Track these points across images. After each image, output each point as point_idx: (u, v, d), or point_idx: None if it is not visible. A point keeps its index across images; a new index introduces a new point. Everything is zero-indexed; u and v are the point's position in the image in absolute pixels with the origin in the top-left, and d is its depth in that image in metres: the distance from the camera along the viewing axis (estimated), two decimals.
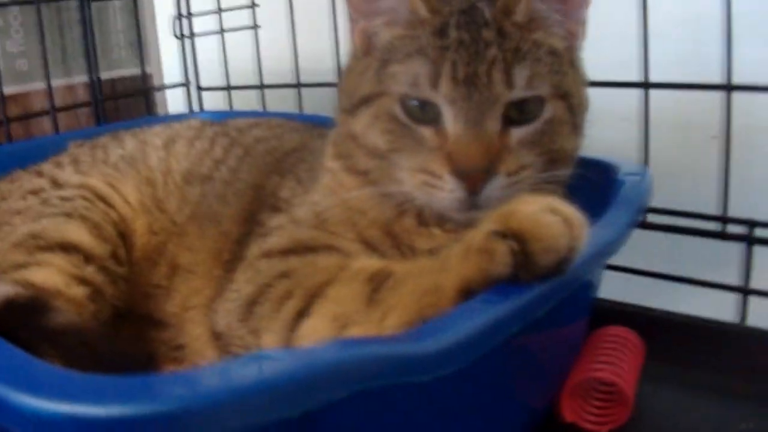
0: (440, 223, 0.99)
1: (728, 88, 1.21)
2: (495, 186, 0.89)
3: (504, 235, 0.76)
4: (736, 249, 1.27)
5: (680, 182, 1.30)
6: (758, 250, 1.25)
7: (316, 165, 1.14)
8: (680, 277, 1.32)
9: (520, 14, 0.95)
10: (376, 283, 0.84)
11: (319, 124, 1.43)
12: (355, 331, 0.82)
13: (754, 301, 1.26)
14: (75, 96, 1.76)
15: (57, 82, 1.70)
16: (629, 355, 1.12)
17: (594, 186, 1.04)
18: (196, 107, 1.99)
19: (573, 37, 1.01)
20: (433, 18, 0.95)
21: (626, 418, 1.05)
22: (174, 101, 1.96)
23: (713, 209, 1.28)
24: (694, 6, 1.31)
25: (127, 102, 1.86)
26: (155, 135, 1.35)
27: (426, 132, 0.92)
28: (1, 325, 0.89)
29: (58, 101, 1.69)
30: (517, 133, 0.92)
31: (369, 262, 0.90)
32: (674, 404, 1.13)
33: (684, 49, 1.34)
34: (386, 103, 0.95)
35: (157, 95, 1.92)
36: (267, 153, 1.26)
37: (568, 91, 0.96)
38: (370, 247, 1.00)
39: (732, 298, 1.28)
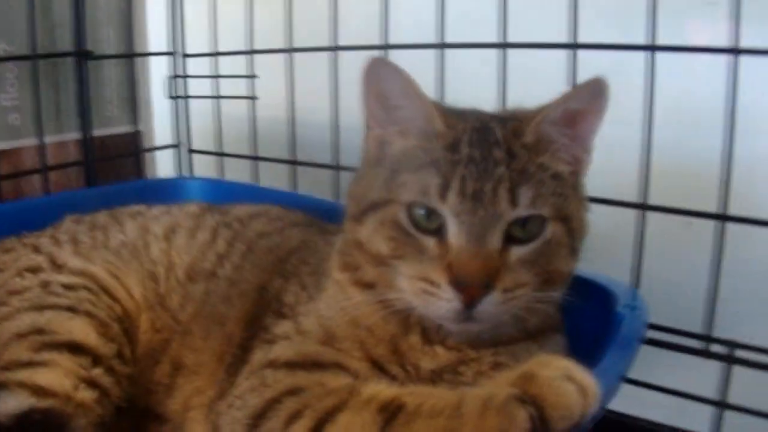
0: (442, 340, 1.02)
1: (723, 218, 1.27)
2: (491, 301, 0.92)
3: (523, 400, 0.80)
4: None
5: (666, 297, 1.33)
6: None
7: (319, 269, 1.16)
8: (660, 387, 1.37)
9: (530, 136, 0.98)
10: (388, 415, 0.86)
11: (314, 208, 1.45)
12: None
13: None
14: (66, 153, 1.75)
15: (49, 139, 1.68)
16: None
17: (590, 311, 1.08)
18: (185, 169, 1.98)
19: (578, 162, 1.04)
20: (448, 132, 0.99)
21: None
22: (163, 161, 1.95)
23: (697, 326, 1.34)
24: (695, 142, 1.37)
25: (117, 160, 1.85)
26: (155, 221, 1.35)
27: (429, 241, 0.95)
28: None
29: (50, 158, 1.68)
30: (517, 252, 0.95)
31: (379, 389, 0.92)
32: None
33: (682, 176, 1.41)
34: (393, 210, 0.98)
35: (147, 154, 1.91)
36: (269, 251, 1.27)
37: (569, 214, 1.00)
38: (377, 365, 1.02)
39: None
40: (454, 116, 1.02)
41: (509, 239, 0.95)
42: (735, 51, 1.23)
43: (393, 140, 1.03)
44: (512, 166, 0.95)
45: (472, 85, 1.42)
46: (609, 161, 1.30)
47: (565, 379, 0.81)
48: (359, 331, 1.04)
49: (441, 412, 0.84)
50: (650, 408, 1.41)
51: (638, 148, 1.36)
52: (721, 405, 1.32)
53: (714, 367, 1.33)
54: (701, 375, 1.36)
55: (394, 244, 0.98)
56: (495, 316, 0.95)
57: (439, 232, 0.95)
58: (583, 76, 1.36)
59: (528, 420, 0.79)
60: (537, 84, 1.42)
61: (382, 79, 1.00)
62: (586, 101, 1.00)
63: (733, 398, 1.32)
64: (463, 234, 0.93)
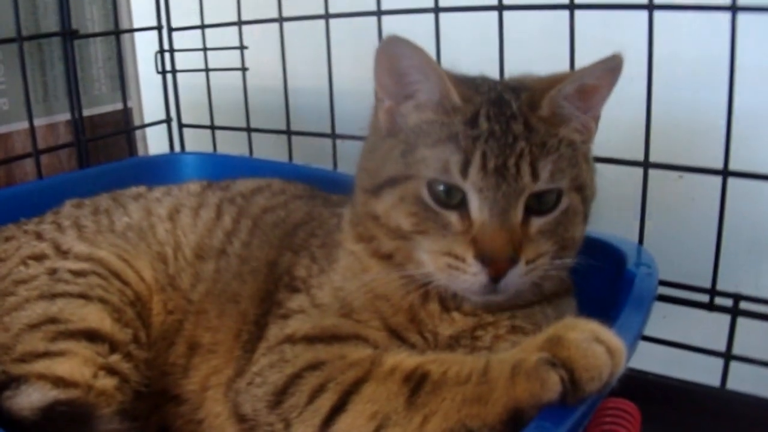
0: (459, 306, 1.03)
1: (725, 173, 1.28)
2: (516, 273, 0.94)
3: (553, 363, 0.81)
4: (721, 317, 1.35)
5: (670, 251, 1.35)
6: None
7: (328, 240, 1.16)
8: (670, 341, 1.40)
9: (545, 109, 0.99)
10: (414, 384, 0.88)
11: (313, 178, 1.45)
12: None
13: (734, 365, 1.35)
14: (56, 134, 1.72)
15: (38, 122, 1.65)
16: (629, 428, 1.18)
17: (599, 270, 1.09)
18: (177, 144, 1.96)
19: (588, 131, 1.05)
20: (465, 106, 0.99)
21: None
22: (155, 137, 1.93)
23: (702, 280, 1.35)
24: (700, 96, 1.38)
25: (108, 138, 1.83)
26: (157, 203, 1.34)
27: (451, 216, 0.96)
28: None
29: (40, 141, 1.64)
30: (537, 223, 0.97)
31: (401, 358, 0.93)
32: None
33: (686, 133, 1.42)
34: (413, 186, 0.98)
35: (138, 131, 1.89)
36: (275, 225, 1.27)
37: (584, 183, 1.02)
38: (395, 334, 1.03)
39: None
40: (468, 88, 1.02)
41: (529, 212, 0.96)
42: (733, 8, 1.22)
43: (407, 113, 1.03)
44: (531, 140, 0.96)
45: (469, 50, 1.42)
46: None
47: (593, 341, 0.83)
48: (377, 301, 1.05)
49: (468, 378, 0.86)
50: (652, 361, 1.43)
51: (636, 105, 1.36)
52: (727, 356, 1.34)
53: (718, 319, 1.36)
54: (705, 328, 1.39)
55: (415, 219, 0.98)
56: (518, 287, 0.96)
57: (460, 206, 0.96)
58: (580, 36, 1.37)
59: (559, 383, 0.80)
60: (535, 47, 1.43)
61: (398, 56, 0.99)
62: (601, 77, 1.01)
63: (737, 349, 1.34)
64: (486, 209, 0.94)
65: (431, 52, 1.48)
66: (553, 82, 1.00)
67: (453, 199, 0.96)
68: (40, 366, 1.01)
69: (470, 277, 0.94)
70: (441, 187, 0.96)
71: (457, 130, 0.97)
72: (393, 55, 1.00)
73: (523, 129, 0.96)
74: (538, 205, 0.97)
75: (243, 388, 1.03)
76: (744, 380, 1.36)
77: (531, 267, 0.96)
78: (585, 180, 1.02)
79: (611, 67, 0.99)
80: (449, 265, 0.95)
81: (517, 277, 0.94)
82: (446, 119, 0.99)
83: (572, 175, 0.99)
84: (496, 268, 0.93)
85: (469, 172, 0.94)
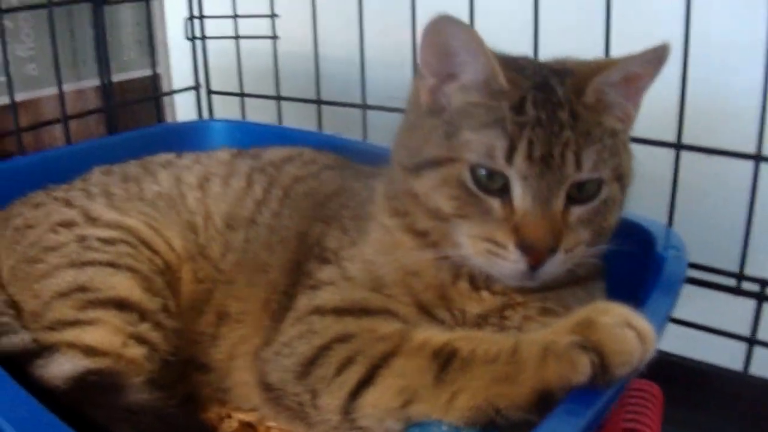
0: (488, 285, 1.03)
1: (758, 158, 1.27)
2: (554, 262, 0.94)
3: (584, 346, 0.81)
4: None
5: (698, 232, 1.34)
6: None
7: (360, 213, 1.16)
8: (694, 323, 1.39)
9: (590, 96, 0.98)
10: (443, 361, 0.88)
11: (342, 148, 1.45)
12: (420, 408, 0.88)
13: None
14: (85, 100, 1.73)
15: (67, 87, 1.66)
16: (652, 410, 1.18)
17: (630, 252, 1.09)
18: (205, 112, 1.97)
19: (629, 119, 1.04)
20: (512, 90, 0.97)
21: None
22: (183, 104, 1.93)
23: (730, 264, 1.35)
24: (732, 79, 1.36)
25: (136, 104, 1.84)
26: (187, 170, 1.34)
27: (493, 202, 0.95)
28: (73, 403, 0.91)
29: (68, 106, 1.65)
30: (577, 212, 0.97)
31: (430, 334, 0.94)
32: None
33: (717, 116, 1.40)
34: (456, 170, 0.97)
35: (166, 97, 1.89)
36: (306, 195, 1.27)
37: (624, 172, 1.01)
38: (424, 310, 1.04)
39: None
40: (514, 70, 1.00)
41: (569, 200, 0.96)
42: None
43: (451, 93, 1.02)
44: (577, 129, 0.95)
45: (503, 29, 1.41)
46: None
47: (624, 325, 0.83)
48: (408, 277, 1.05)
49: (496, 357, 0.86)
50: (675, 342, 1.43)
51: (669, 85, 1.34)
52: (752, 341, 1.34)
53: (743, 303, 1.35)
54: (730, 311, 1.38)
55: (456, 203, 0.98)
56: (555, 274, 0.96)
57: (502, 192, 0.95)
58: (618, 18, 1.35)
59: (589, 366, 0.80)
60: (570, 22, 1.42)
61: (447, 35, 0.98)
62: (647, 66, 1.00)
63: (762, 335, 1.34)
64: (529, 197, 0.94)
65: None
66: (597, 68, 0.99)
67: (495, 184, 0.95)
68: (70, 335, 1.02)
69: (510, 264, 0.94)
70: (483, 172, 0.95)
71: (504, 114, 0.95)
72: (442, 33, 0.98)
73: (569, 117, 0.95)
74: (579, 193, 0.96)
75: (270, 358, 1.04)
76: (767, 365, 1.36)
77: (569, 256, 0.96)
78: (625, 169, 1.02)
79: (659, 56, 0.98)
80: (489, 251, 0.95)
81: (555, 267, 0.94)
82: (492, 102, 0.97)
83: (614, 165, 0.98)
84: (535, 257, 0.93)
85: (514, 158, 0.93)
